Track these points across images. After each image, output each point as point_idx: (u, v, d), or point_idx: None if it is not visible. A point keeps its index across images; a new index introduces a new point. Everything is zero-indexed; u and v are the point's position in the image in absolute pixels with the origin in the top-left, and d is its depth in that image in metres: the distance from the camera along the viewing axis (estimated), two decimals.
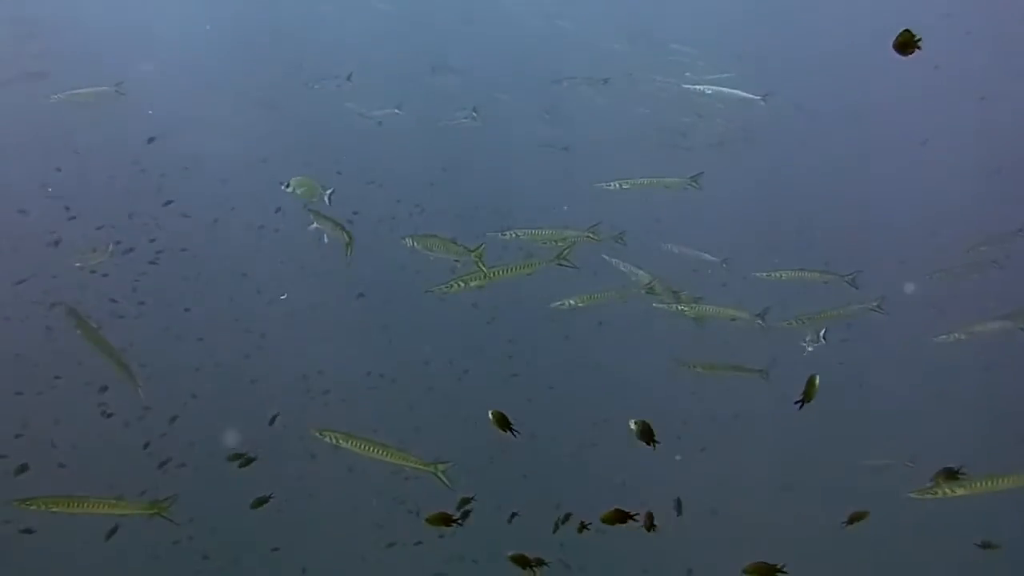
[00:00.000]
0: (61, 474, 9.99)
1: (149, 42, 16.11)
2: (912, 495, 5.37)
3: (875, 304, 8.85)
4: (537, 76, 16.56)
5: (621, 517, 5.51)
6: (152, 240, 12.52)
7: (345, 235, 7.37)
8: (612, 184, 8.67)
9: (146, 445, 10.20)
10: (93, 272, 10.73)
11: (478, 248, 6.65)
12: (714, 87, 12.76)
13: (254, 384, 12.75)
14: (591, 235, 7.61)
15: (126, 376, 7.71)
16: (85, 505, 5.98)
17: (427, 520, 5.99)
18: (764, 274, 8.81)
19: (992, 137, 16.78)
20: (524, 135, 16.77)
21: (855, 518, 6.83)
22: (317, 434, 5.81)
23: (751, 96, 12.22)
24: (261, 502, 8.58)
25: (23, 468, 8.70)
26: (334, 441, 5.81)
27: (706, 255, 11.47)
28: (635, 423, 4.98)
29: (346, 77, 13.95)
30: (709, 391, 11.78)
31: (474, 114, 14.42)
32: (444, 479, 5.80)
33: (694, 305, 8.57)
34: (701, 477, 11.59)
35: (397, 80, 16.48)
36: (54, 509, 5.94)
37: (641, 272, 9.17)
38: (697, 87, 12.77)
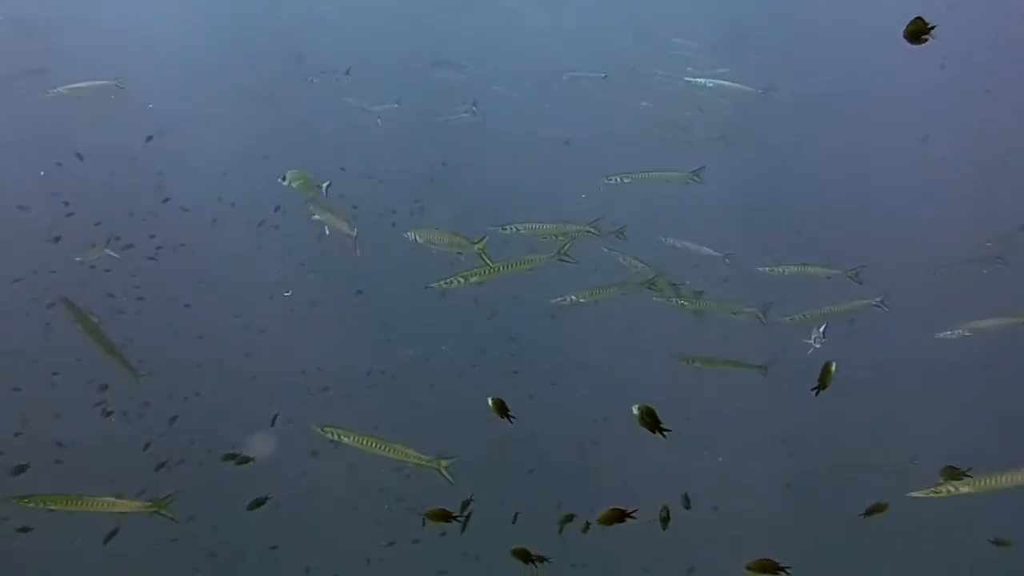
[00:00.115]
0: (59, 471, 9.96)
1: (148, 38, 16.05)
2: (916, 495, 5.30)
3: (877, 300, 8.78)
4: (538, 71, 16.51)
5: (619, 516, 5.46)
6: (152, 236, 12.49)
7: (348, 226, 7.34)
8: (613, 178, 8.63)
9: (146, 446, 10.16)
10: (93, 267, 10.68)
11: (481, 240, 6.62)
12: (714, 80, 12.70)
13: (254, 381, 12.73)
14: (592, 230, 7.56)
15: (125, 369, 7.69)
16: (84, 503, 5.93)
17: (426, 516, 5.95)
18: (767, 269, 8.76)
19: (997, 131, 16.70)
20: (525, 130, 16.71)
21: (874, 510, 6.75)
22: (319, 430, 5.78)
23: (750, 89, 12.17)
24: (259, 503, 8.54)
25: (22, 468, 8.65)
26: (335, 437, 5.77)
27: (708, 249, 11.42)
28: (638, 408, 4.87)
29: (345, 71, 13.89)
30: (712, 388, 11.75)
31: (474, 108, 14.36)
32: (447, 475, 5.76)
33: (695, 299, 8.54)
34: (703, 474, 11.55)
35: (397, 75, 16.43)
36: (52, 507, 5.88)
37: (641, 265, 9.13)
38: (698, 80, 12.71)
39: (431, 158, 15.67)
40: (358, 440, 5.76)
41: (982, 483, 5.38)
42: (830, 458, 13.06)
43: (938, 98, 16.88)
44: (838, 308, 8.67)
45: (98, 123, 12.99)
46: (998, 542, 7.84)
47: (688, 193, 9.64)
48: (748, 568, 5.35)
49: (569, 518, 7.18)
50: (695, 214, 13.47)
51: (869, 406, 13.49)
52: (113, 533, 8.71)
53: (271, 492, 8.78)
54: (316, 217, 7.50)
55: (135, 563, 10.22)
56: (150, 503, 6.00)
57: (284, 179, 7.24)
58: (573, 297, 7.95)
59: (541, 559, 6.12)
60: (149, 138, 12.71)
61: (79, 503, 5.91)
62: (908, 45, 4.47)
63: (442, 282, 6.39)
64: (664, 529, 5.29)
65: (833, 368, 5.24)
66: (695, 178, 8.82)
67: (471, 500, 7.05)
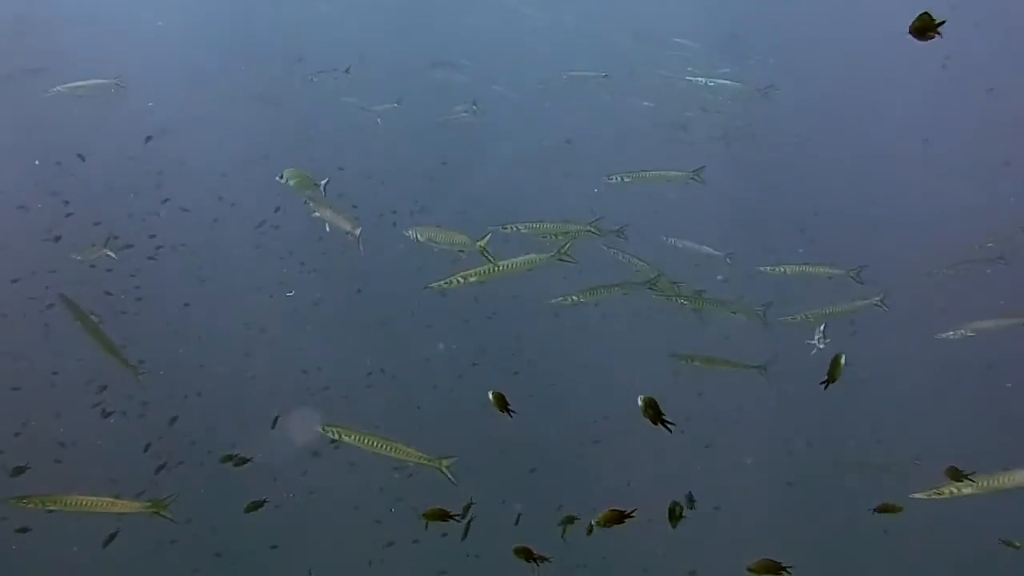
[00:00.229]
0: (59, 471, 9.94)
1: (148, 37, 16.04)
2: (918, 496, 5.28)
3: (878, 300, 8.75)
4: (538, 70, 16.48)
5: (619, 518, 5.44)
6: (152, 236, 12.47)
7: (350, 224, 7.32)
8: (614, 178, 8.62)
9: (147, 447, 10.13)
10: (93, 267, 10.67)
11: (483, 238, 6.61)
12: (715, 80, 12.69)
13: (254, 381, 12.72)
14: (592, 229, 7.54)
15: (125, 367, 7.67)
16: (83, 504, 5.91)
17: (424, 516, 5.94)
18: (768, 268, 8.74)
19: (1000, 130, 16.65)
20: (525, 129, 16.68)
21: (886, 509, 6.72)
22: (321, 429, 5.75)
23: (750, 88, 12.15)
24: (256, 506, 8.51)
25: (20, 469, 8.62)
26: (337, 436, 5.75)
27: (708, 249, 11.40)
28: (642, 399, 4.86)
29: (344, 70, 13.86)
30: (713, 387, 11.72)
31: (474, 108, 14.33)
32: (449, 474, 5.74)
33: (694, 298, 8.51)
34: (704, 474, 11.52)
35: (397, 74, 16.41)
36: (51, 507, 5.87)
37: (642, 263, 9.10)
38: (698, 79, 12.68)
39: (431, 158, 15.65)
40: (360, 439, 5.74)
41: (984, 484, 5.36)
42: (831, 458, 13.03)
43: (940, 98, 16.85)
44: (839, 308, 8.65)
45: (98, 123, 12.99)
46: (1008, 543, 7.77)
47: (689, 193, 9.62)
48: (750, 570, 5.32)
49: (571, 520, 7.16)
50: (696, 214, 13.44)
51: (871, 406, 13.46)
52: (113, 536, 8.67)
53: (272, 492, 8.75)
54: (316, 215, 7.48)
55: (135, 563, 10.19)
56: (149, 504, 5.99)
57: (282, 177, 7.24)
58: (574, 297, 7.93)
59: (542, 559, 6.12)
60: (148, 138, 12.68)
61: (78, 504, 5.89)
62: (910, 44, 4.42)
63: (441, 282, 6.37)
64: (673, 527, 5.24)
65: (842, 361, 5.22)
66: (696, 178, 8.80)
67: (472, 504, 7.03)
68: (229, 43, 16.40)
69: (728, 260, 11.35)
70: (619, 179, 8.60)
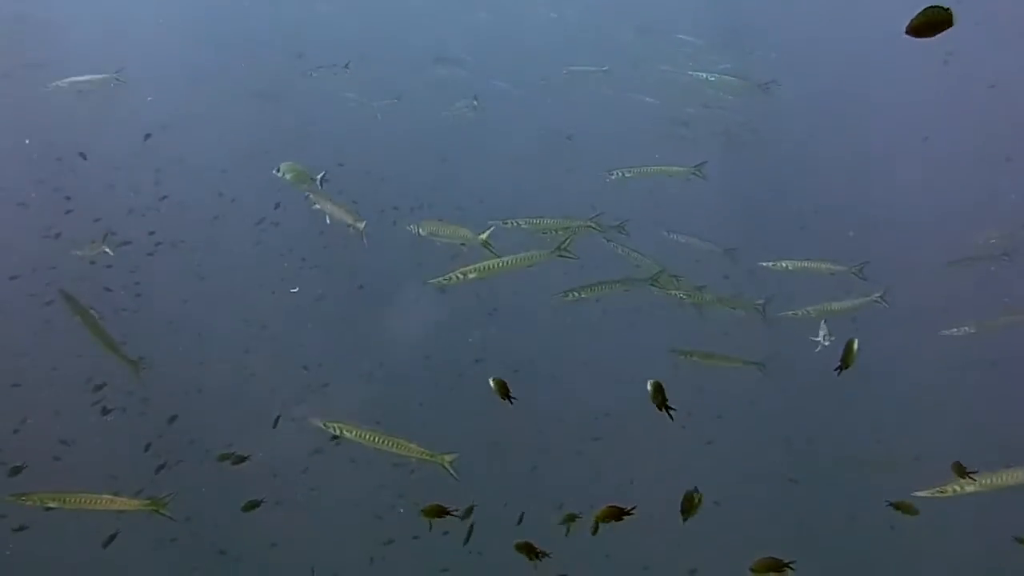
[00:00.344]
0: (58, 468, 9.93)
1: (148, 33, 16.01)
2: (921, 494, 5.24)
3: (878, 296, 8.71)
4: (539, 66, 16.42)
5: (616, 514, 5.42)
6: (151, 233, 12.44)
7: (352, 217, 7.29)
8: (615, 173, 8.58)
9: (147, 447, 10.11)
10: (92, 263, 10.65)
11: (485, 232, 6.57)
12: (716, 74, 12.63)
13: (254, 377, 12.69)
14: (593, 225, 7.50)
15: (125, 362, 7.64)
16: (82, 501, 5.89)
17: (423, 512, 5.91)
18: (770, 264, 8.69)
19: (1001, 126, 16.57)
20: (526, 125, 16.63)
21: (902, 507, 6.69)
22: (322, 425, 5.72)
23: (751, 83, 12.08)
24: (253, 505, 8.48)
25: (18, 469, 8.60)
26: (339, 432, 5.71)
27: (710, 245, 11.35)
28: (651, 383, 4.91)
29: (344, 66, 13.81)
30: (715, 383, 11.67)
31: (475, 103, 14.28)
32: (451, 470, 5.71)
33: (694, 293, 8.48)
34: (707, 470, 11.49)
35: (398, 70, 16.35)
36: (51, 504, 5.84)
37: (640, 257, 9.06)
38: (699, 74, 12.62)
39: (432, 154, 15.61)
40: (361, 435, 5.70)
41: (988, 482, 5.32)
42: (833, 455, 13.00)
43: (942, 93, 16.77)
44: (840, 305, 8.60)
45: (98, 120, 12.96)
46: (1022, 541, 7.71)
47: (691, 188, 9.56)
48: (752, 570, 5.28)
49: (572, 517, 7.14)
50: (698, 209, 13.39)
51: (874, 403, 13.43)
52: (113, 537, 8.65)
53: (272, 490, 8.72)
54: (316, 207, 7.44)
55: (135, 562, 10.18)
56: (149, 502, 5.97)
57: (278, 170, 7.22)
58: (576, 292, 7.89)
59: (543, 554, 6.12)
60: (147, 136, 12.66)
61: (77, 501, 5.86)
62: (913, 40, 4.33)
63: (441, 278, 6.34)
64: (684, 521, 5.19)
65: (856, 346, 5.19)
66: (698, 173, 8.76)
67: (473, 507, 7.01)
68: (229, 39, 16.36)
69: (729, 256, 11.30)
70: (620, 174, 8.56)
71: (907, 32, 4.09)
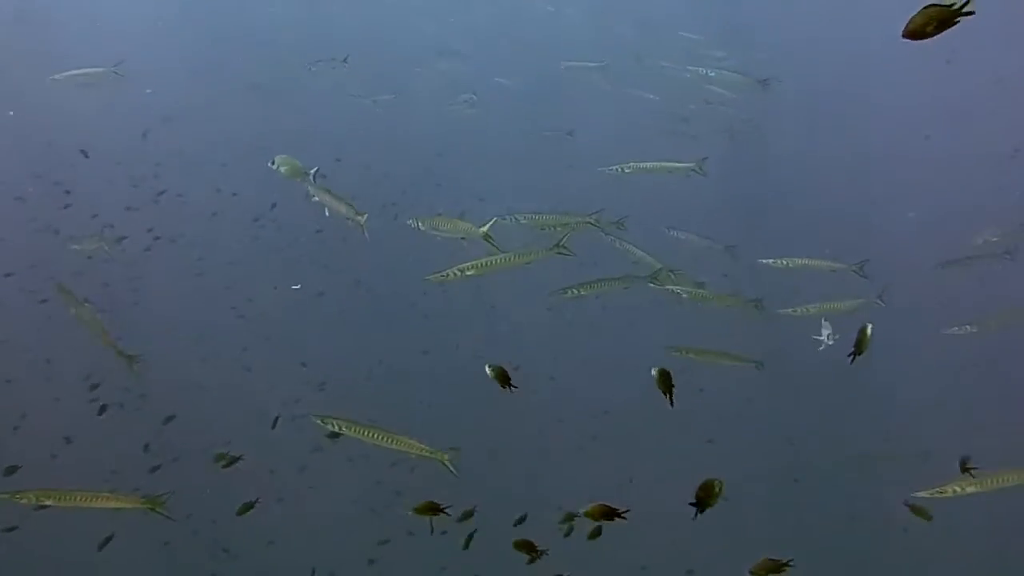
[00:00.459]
0: (55, 466, 9.88)
1: (147, 27, 15.94)
2: (921, 495, 5.20)
3: (877, 296, 8.67)
4: (539, 61, 16.36)
5: (607, 513, 5.37)
6: (149, 229, 12.40)
7: (353, 210, 7.25)
8: (615, 168, 8.53)
9: (146, 447, 10.08)
10: (90, 258, 10.61)
11: (486, 225, 6.53)
12: (716, 70, 12.57)
13: (252, 374, 12.65)
14: (592, 221, 7.46)
15: (121, 357, 7.60)
16: (78, 499, 5.83)
17: (415, 510, 5.87)
18: (770, 261, 8.64)
19: (1007, 121, 16.50)
20: (526, 120, 16.56)
21: (916, 511, 6.66)
22: (319, 421, 5.68)
23: (752, 79, 12.02)
24: (247, 507, 8.44)
25: (12, 469, 8.56)
26: (337, 429, 5.67)
27: (710, 241, 11.30)
28: (656, 371, 4.94)
29: (343, 60, 13.75)
30: (715, 382, 11.64)
31: (473, 97, 14.22)
32: (451, 467, 5.67)
33: (691, 288, 8.43)
34: (707, 469, 11.45)
35: (397, 65, 16.29)
36: (46, 502, 5.78)
37: (641, 253, 9.02)
38: (700, 70, 12.56)
39: (431, 149, 15.55)
40: (360, 431, 5.66)
41: (988, 482, 5.29)
42: (834, 454, 12.96)
43: (944, 91, 16.71)
44: (840, 304, 8.55)
45: (96, 114, 12.91)
46: None
47: (691, 185, 9.51)
48: (752, 572, 5.23)
49: (571, 517, 7.12)
50: (698, 206, 13.34)
51: (876, 402, 13.40)
52: (108, 539, 8.60)
53: (270, 488, 8.68)
54: (315, 199, 7.39)
55: (135, 561, 10.14)
56: (146, 500, 5.92)
57: (273, 163, 7.19)
58: (575, 289, 7.84)
59: (541, 552, 6.10)
60: (145, 134, 12.62)
61: (73, 499, 5.81)
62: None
63: (439, 274, 6.30)
64: (700, 514, 5.11)
65: (869, 332, 5.13)
66: (698, 169, 8.71)
67: (474, 510, 6.99)
68: (228, 33, 16.29)
69: (728, 253, 11.25)
70: (619, 169, 8.51)
71: (904, 36, 3.97)
